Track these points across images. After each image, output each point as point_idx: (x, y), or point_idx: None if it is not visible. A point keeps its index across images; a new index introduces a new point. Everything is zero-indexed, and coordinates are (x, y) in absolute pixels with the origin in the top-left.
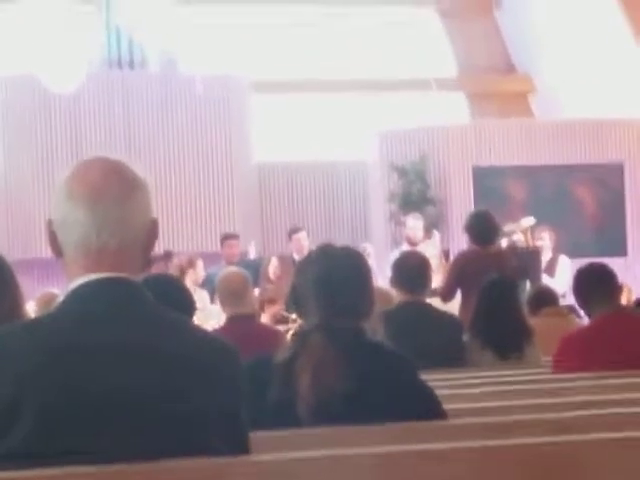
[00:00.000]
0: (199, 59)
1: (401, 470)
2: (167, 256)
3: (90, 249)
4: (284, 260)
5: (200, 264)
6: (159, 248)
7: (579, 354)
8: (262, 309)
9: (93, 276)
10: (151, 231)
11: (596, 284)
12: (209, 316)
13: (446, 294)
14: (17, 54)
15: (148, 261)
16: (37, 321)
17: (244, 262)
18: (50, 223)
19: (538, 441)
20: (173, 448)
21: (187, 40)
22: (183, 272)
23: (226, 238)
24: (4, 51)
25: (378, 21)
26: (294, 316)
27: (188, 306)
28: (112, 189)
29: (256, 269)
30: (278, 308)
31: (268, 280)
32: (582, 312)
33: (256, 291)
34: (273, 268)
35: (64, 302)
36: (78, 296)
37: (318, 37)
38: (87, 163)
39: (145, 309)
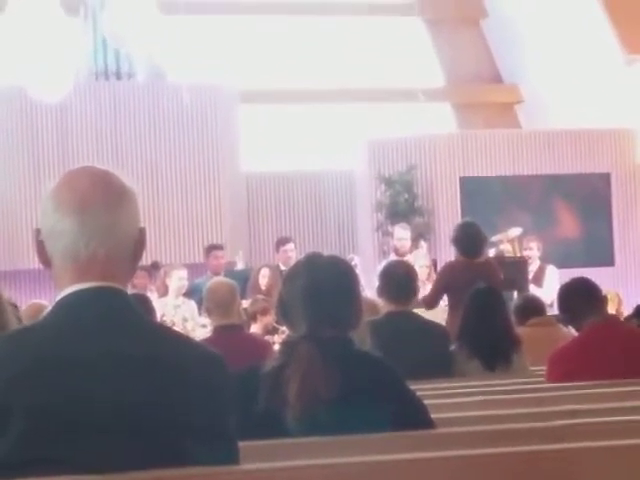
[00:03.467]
0: (186, 69)
1: (389, 479)
2: (154, 267)
3: (78, 258)
4: (274, 270)
5: (177, 273)
6: (146, 259)
7: (572, 365)
8: (254, 319)
9: (81, 285)
10: (139, 240)
11: (582, 297)
12: (196, 327)
13: (430, 302)
14: (3, 66)
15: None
16: (24, 330)
17: (230, 273)
18: (38, 232)
19: (527, 450)
20: (159, 457)
21: (174, 50)
22: (163, 282)
23: (211, 249)
24: None
25: (364, 31)
26: (284, 328)
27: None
28: (99, 198)
29: (244, 280)
30: (270, 319)
31: (258, 290)
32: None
33: (244, 302)
34: (264, 278)
35: (52, 312)
36: (66, 305)
37: (305, 47)
38: (74, 173)
39: (132, 319)
